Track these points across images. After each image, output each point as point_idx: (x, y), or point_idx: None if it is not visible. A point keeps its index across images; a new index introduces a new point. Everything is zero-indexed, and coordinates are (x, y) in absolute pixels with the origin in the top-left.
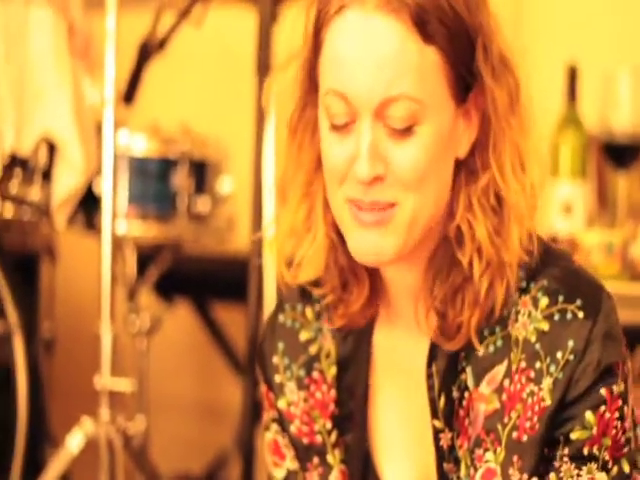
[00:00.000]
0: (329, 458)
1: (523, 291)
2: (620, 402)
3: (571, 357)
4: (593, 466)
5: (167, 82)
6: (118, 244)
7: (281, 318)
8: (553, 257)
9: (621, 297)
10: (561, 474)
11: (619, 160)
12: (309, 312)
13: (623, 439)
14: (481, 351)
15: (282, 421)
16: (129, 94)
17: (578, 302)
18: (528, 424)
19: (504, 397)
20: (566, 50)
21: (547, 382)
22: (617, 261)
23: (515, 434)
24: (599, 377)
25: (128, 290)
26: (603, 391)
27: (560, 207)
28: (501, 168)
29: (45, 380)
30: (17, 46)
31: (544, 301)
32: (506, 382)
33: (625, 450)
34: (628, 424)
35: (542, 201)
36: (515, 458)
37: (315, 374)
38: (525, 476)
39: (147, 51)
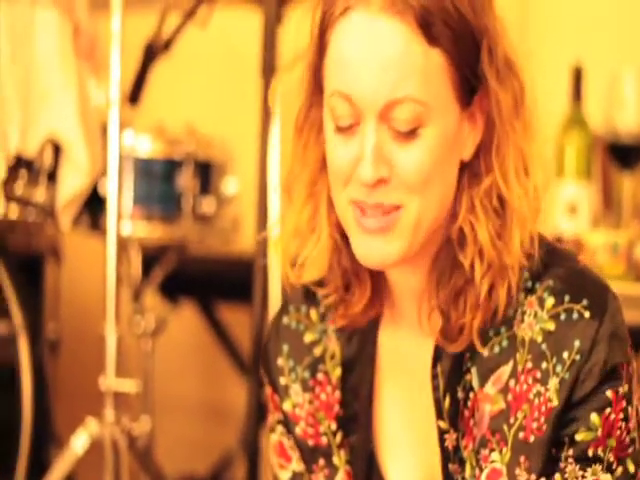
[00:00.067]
0: (335, 459)
1: (529, 291)
2: (625, 403)
3: (577, 357)
4: (598, 467)
5: (172, 83)
6: (123, 245)
7: (285, 320)
8: (558, 257)
9: (626, 298)
10: (566, 475)
11: (624, 160)
12: (313, 314)
13: (628, 439)
14: (486, 352)
15: (287, 423)
16: (134, 95)
17: (584, 302)
18: (535, 425)
19: (510, 397)
20: (571, 51)
21: (553, 382)
22: (622, 261)
23: (522, 434)
24: (605, 378)
25: (133, 291)
26: (609, 393)
27: (565, 207)
28: (504, 172)
29: (50, 381)
30: (23, 47)
31: (550, 301)
32: (512, 382)
33: (630, 450)
34: (632, 424)
35: (546, 204)
36: (522, 458)
37: (320, 376)
38: (533, 476)
39: (152, 52)
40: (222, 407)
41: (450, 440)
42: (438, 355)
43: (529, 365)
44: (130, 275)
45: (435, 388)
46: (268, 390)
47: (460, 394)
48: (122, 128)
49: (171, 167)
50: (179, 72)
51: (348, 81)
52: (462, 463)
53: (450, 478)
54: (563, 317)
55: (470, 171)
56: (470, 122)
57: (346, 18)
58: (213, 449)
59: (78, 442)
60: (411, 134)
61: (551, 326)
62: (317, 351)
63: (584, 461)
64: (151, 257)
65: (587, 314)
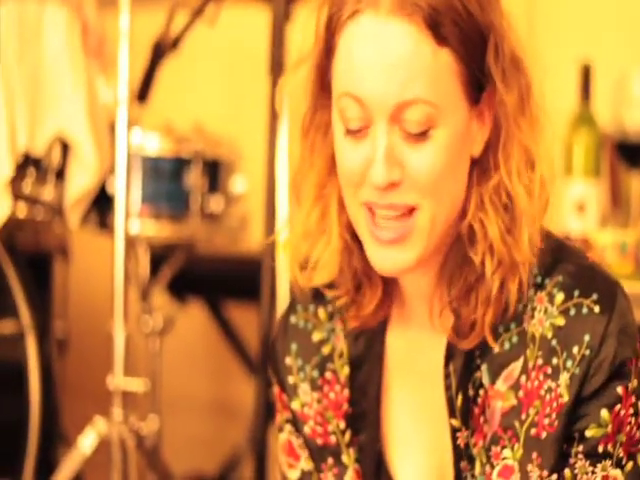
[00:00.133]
0: (344, 458)
1: (539, 287)
2: (634, 398)
3: (587, 352)
4: (607, 463)
5: (180, 81)
6: (131, 243)
7: (293, 319)
8: (568, 253)
9: (635, 297)
10: (576, 470)
11: (633, 159)
12: (322, 312)
13: (638, 434)
14: (496, 348)
15: (296, 422)
16: (142, 93)
17: (594, 296)
18: (547, 421)
19: (521, 394)
20: (580, 49)
21: (564, 378)
22: (630, 261)
23: (534, 431)
24: (614, 372)
25: (141, 290)
26: (619, 389)
27: (573, 206)
28: (509, 169)
29: (58, 380)
30: (31, 45)
31: (560, 296)
32: (522, 379)
33: None
34: None
35: (553, 201)
36: (534, 455)
37: (328, 374)
38: (545, 473)
39: (160, 50)
40: (230, 406)
41: (462, 438)
42: (450, 354)
43: (540, 361)
44: (138, 274)
45: (448, 387)
46: (276, 389)
47: (470, 391)
48: (130, 126)
49: (179, 165)
50: (187, 70)
51: (358, 82)
52: (472, 460)
53: (460, 476)
54: (573, 312)
55: (479, 168)
56: (479, 119)
57: (354, 21)
58: (221, 448)
59: (86, 441)
60: (422, 135)
61: (561, 321)
62: (325, 350)
63: (594, 457)
64: (159, 256)
65: (597, 309)
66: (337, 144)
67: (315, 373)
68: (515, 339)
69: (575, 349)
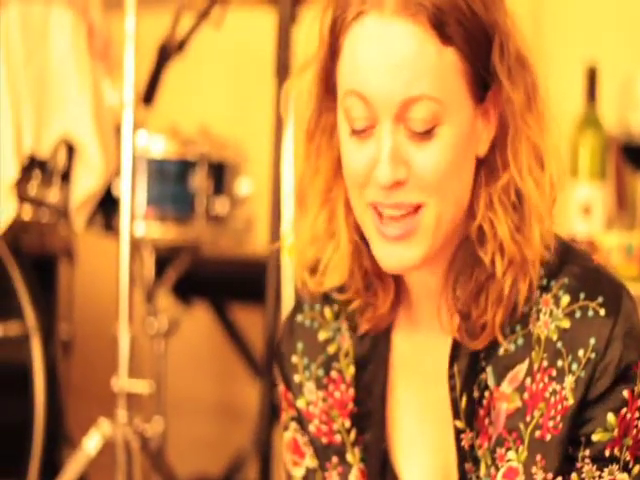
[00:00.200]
0: (349, 457)
1: (544, 289)
2: None
3: (592, 355)
4: (614, 467)
5: (186, 84)
6: (136, 246)
7: (299, 318)
8: (573, 255)
9: None
10: (583, 475)
11: (638, 161)
12: (328, 312)
13: None
14: (502, 350)
15: (301, 420)
16: (148, 95)
17: (599, 299)
18: (551, 423)
19: (526, 396)
20: (586, 51)
21: (569, 380)
22: (636, 263)
23: (538, 433)
24: (620, 376)
25: (146, 292)
26: (625, 393)
27: (579, 208)
28: (519, 167)
29: (63, 381)
30: (37, 48)
31: (565, 299)
32: (527, 381)
33: None
34: None
35: (561, 199)
36: (538, 457)
37: (334, 373)
38: (550, 475)
39: (166, 52)
40: (235, 408)
41: (466, 439)
42: (455, 355)
43: (545, 363)
44: (143, 276)
45: (452, 388)
46: (281, 387)
47: (475, 393)
48: (136, 128)
49: (185, 168)
50: (193, 73)
51: (363, 81)
52: (477, 462)
53: (464, 477)
54: (578, 315)
55: (487, 168)
56: (484, 118)
57: (359, 23)
58: (226, 450)
59: (90, 443)
60: (427, 134)
61: (566, 324)
62: (331, 349)
63: (601, 461)
64: (164, 258)
65: (602, 312)
66: (342, 145)
67: (320, 372)
68: (520, 341)
69: (581, 352)
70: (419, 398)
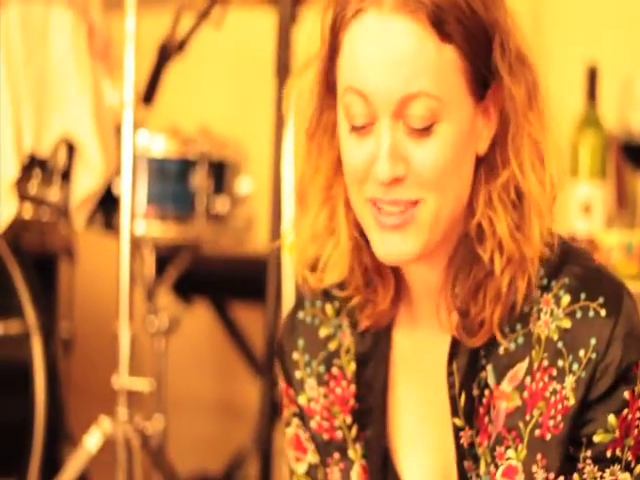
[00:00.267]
0: (350, 453)
1: (545, 289)
2: None
3: (593, 355)
4: (616, 467)
5: (186, 83)
6: (137, 244)
7: (301, 315)
8: (574, 255)
9: None
10: (584, 475)
11: (638, 160)
12: (329, 308)
13: None
14: (502, 349)
15: (302, 416)
16: (148, 95)
17: (600, 300)
18: (552, 423)
19: (525, 395)
20: (586, 51)
21: (570, 380)
22: (636, 261)
23: (538, 432)
24: (620, 376)
25: (147, 290)
26: (626, 394)
27: (579, 207)
28: (520, 164)
29: (63, 380)
30: (37, 48)
31: (566, 299)
32: (527, 380)
33: None
34: None
35: (561, 196)
36: (539, 456)
37: (335, 370)
38: (552, 475)
39: (166, 52)
40: (235, 406)
41: (465, 437)
42: (454, 352)
43: (545, 363)
44: (144, 274)
45: (451, 385)
46: (283, 384)
47: (475, 391)
48: (136, 128)
49: (185, 167)
50: (193, 72)
51: (362, 78)
52: (476, 460)
53: (464, 475)
54: (579, 315)
55: (486, 165)
56: (484, 116)
57: (358, 20)
58: (226, 448)
59: (91, 441)
60: (426, 131)
61: (567, 324)
62: (332, 346)
63: (602, 462)
64: (165, 256)
65: (603, 312)
66: (342, 142)
67: (322, 368)
68: (521, 340)
69: (581, 352)
70: (419, 395)
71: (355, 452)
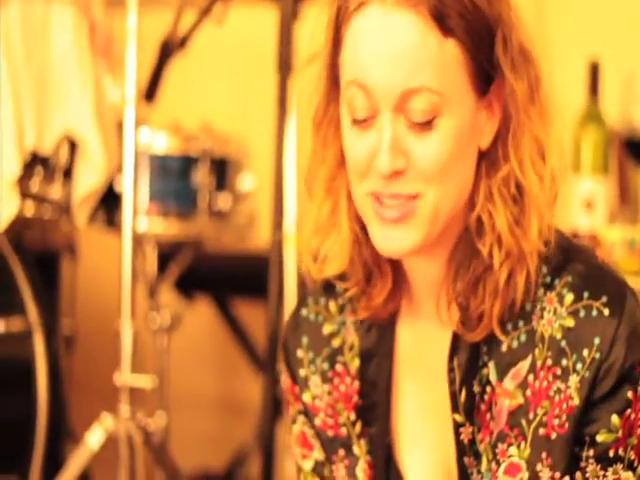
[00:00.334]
0: (355, 449)
1: (548, 287)
2: None
3: (597, 355)
4: (619, 466)
5: (188, 80)
6: (139, 241)
7: (304, 312)
8: (576, 252)
9: None
10: (587, 474)
11: None
12: (332, 305)
13: None
14: (504, 346)
15: (307, 413)
16: (150, 92)
17: (603, 299)
18: (557, 422)
19: (528, 393)
20: (588, 46)
21: (574, 380)
22: (639, 257)
23: (542, 431)
24: (624, 376)
25: (149, 287)
26: (629, 394)
27: (581, 203)
28: (520, 159)
29: (65, 377)
30: (38, 45)
31: (569, 297)
32: (530, 378)
33: None
34: None
35: (562, 193)
36: (544, 455)
37: (339, 367)
38: (557, 474)
39: (168, 49)
40: (237, 402)
41: (466, 433)
42: (455, 348)
43: (549, 362)
44: (146, 271)
45: (451, 381)
46: (287, 382)
47: (476, 388)
48: (138, 125)
49: (187, 164)
50: (195, 69)
51: (364, 71)
52: (478, 457)
53: (464, 471)
54: (582, 314)
55: (488, 160)
56: (487, 111)
57: (361, 13)
58: (228, 444)
59: (93, 438)
60: (427, 125)
61: (570, 323)
62: (336, 342)
63: (605, 461)
64: (167, 253)
65: (606, 311)
66: (344, 134)
67: (325, 365)
68: (523, 337)
69: (585, 352)
70: (421, 391)
71: (360, 448)
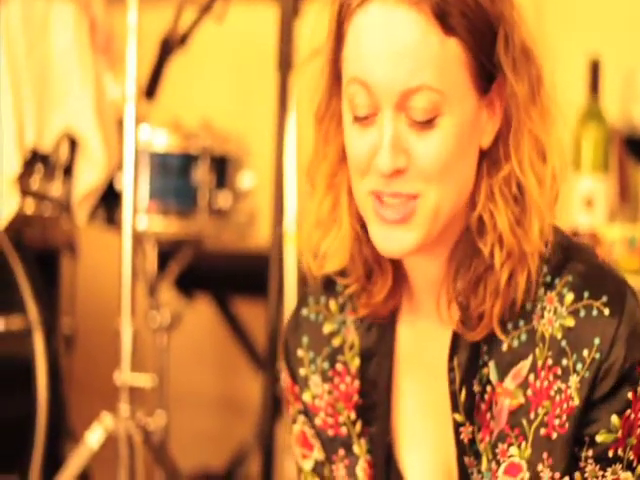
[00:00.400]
0: (355, 448)
1: (548, 287)
2: None
3: (597, 355)
4: (618, 467)
5: (188, 77)
6: (139, 239)
7: (305, 312)
8: (577, 251)
9: None
10: (586, 474)
11: None
12: (333, 304)
13: None
14: (505, 345)
15: (307, 413)
16: (150, 89)
17: (604, 299)
18: (557, 422)
19: (529, 392)
20: (589, 44)
21: (574, 380)
22: (639, 256)
23: (543, 431)
24: (624, 376)
25: (149, 286)
26: (629, 394)
27: (581, 201)
28: (520, 159)
29: (65, 376)
30: (39, 42)
31: (569, 297)
32: (531, 377)
33: None
34: None
35: (563, 193)
36: (545, 455)
37: (339, 366)
38: (557, 475)
39: (168, 46)
40: (237, 401)
41: (466, 433)
42: (455, 347)
43: (550, 362)
44: (146, 270)
45: (451, 381)
46: (287, 381)
47: (476, 387)
48: (138, 122)
49: (187, 161)
50: (195, 66)
51: (365, 68)
52: (478, 456)
53: (465, 471)
54: (582, 314)
55: (489, 159)
56: (489, 109)
57: (363, 10)
58: (228, 443)
59: (93, 437)
60: (428, 124)
61: (571, 322)
62: (336, 342)
63: (604, 461)
64: (167, 251)
65: (606, 311)
66: (346, 131)
67: (326, 365)
68: (524, 337)
69: (585, 352)
70: (422, 390)
71: (360, 448)
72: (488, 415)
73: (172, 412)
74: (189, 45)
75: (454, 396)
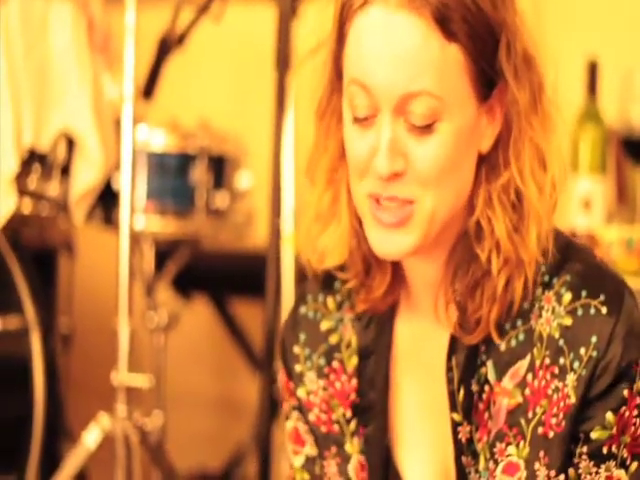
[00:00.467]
0: (347, 447)
1: (546, 286)
2: (639, 399)
3: (594, 353)
4: (612, 463)
5: (186, 77)
6: (136, 239)
7: (303, 310)
8: (575, 251)
9: None
10: (580, 470)
11: (639, 155)
12: (330, 302)
13: None
14: (503, 345)
15: (301, 409)
16: (148, 89)
17: (601, 297)
18: (554, 420)
19: (527, 392)
20: (586, 45)
21: (571, 378)
22: (636, 257)
23: (541, 430)
24: (620, 374)
25: (146, 286)
26: (625, 392)
27: (579, 202)
28: (520, 166)
29: (62, 375)
30: (37, 42)
31: (567, 296)
32: (529, 377)
33: None
34: None
35: (562, 199)
36: (542, 454)
37: (335, 364)
38: (552, 472)
39: (166, 46)
40: (234, 402)
41: (463, 433)
42: (453, 347)
43: (547, 361)
44: (143, 269)
45: (449, 380)
46: (283, 377)
47: (474, 387)
48: (136, 122)
49: (185, 161)
50: (193, 66)
51: (365, 71)
52: (475, 456)
53: (462, 470)
54: (580, 312)
55: (488, 165)
56: (489, 115)
57: (364, 12)
58: (225, 444)
59: (90, 437)
60: (427, 129)
61: (568, 321)
62: (333, 339)
63: (598, 458)
64: (164, 251)
65: (604, 310)
66: (346, 130)
67: (322, 361)
68: (522, 337)
69: (582, 350)
70: (420, 390)
71: (352, 446)
72: (486, 415)
73: (169, 412)
74: (187, 45)
75: (452, 396)
